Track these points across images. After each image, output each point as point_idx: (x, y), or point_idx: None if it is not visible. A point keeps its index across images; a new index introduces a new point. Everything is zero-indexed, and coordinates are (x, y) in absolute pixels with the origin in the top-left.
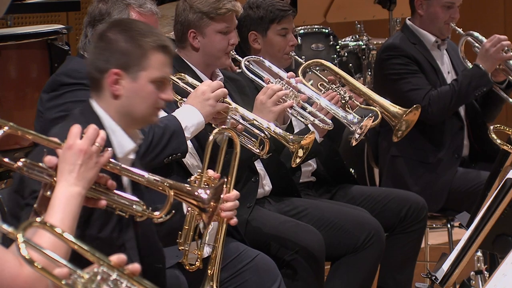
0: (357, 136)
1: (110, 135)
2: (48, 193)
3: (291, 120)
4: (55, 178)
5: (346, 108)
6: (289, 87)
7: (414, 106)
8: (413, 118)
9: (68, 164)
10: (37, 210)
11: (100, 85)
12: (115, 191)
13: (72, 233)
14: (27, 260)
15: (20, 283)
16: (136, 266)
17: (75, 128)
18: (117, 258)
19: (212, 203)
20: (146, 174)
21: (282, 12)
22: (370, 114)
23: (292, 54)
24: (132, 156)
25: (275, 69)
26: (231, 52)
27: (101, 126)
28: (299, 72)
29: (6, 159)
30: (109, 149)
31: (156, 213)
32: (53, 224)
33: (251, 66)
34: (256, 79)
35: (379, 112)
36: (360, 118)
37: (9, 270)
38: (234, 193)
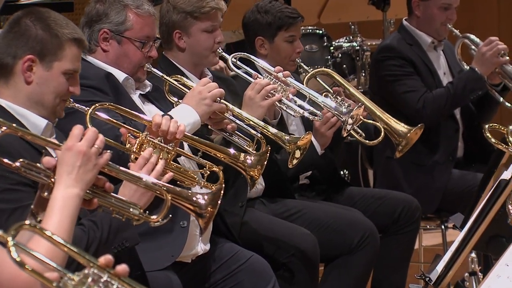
0: (348, 127)
1: (21, 120)
2: (45, 194)
3: (281, 115)
4: (52, 179)
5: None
6: (277, 81)
7: (418, 125)
8: (415, 137)
9: (67, 166)
10: (34, 211)
11: (11, 71)
12: (112, 193)
13: (70, 234)
14: (17, 263)
15: (19, 284)
16: (124, 267)
17: (76, 130)
18: (104, 258)
19: (209, 209)
20: (144, 177)
21: (291, 19)
22: (360, 104)
23: (298, 61)
24: (54, 136)
25: (262, 64)
26: (218, 50)
27: (7, 116)
28: (305, 80)
29: (5, 160)
30: (108, 151)
31: (153, 217)
32: (48, 226)
33: (238, 62)
34: (244, 75)
35: (382, 129)
36: (349, 108)
37: (9, 270)
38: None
